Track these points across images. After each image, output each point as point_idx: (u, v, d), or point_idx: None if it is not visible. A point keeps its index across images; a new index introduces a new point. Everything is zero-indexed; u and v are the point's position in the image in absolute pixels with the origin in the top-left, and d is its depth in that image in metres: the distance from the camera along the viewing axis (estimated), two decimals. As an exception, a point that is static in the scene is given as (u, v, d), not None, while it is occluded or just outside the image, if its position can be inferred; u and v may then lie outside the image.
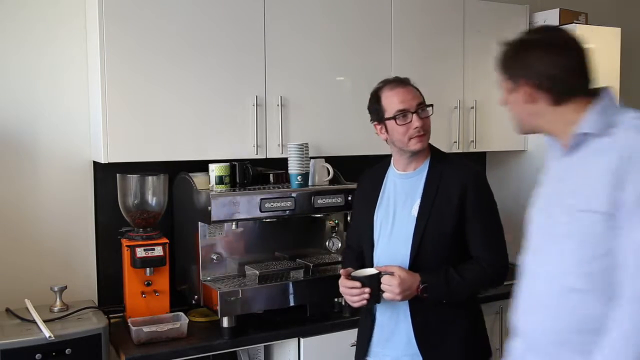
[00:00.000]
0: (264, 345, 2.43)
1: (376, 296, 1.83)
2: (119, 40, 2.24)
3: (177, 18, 2.35)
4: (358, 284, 1.84)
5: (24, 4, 2.41)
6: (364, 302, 1.84)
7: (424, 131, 1.90)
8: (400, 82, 1.95)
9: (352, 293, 1.85)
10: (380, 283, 1.81)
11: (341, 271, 1.94)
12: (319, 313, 2.48)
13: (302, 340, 2.34)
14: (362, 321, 2.04)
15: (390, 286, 1.79)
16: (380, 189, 2.01)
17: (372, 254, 1.97)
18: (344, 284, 1.88)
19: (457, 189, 1.87)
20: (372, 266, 1.93)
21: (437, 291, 1.83)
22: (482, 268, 1.86)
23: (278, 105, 2.52)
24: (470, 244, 1.89)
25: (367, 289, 1.82)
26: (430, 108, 1.93)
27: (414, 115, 1.88)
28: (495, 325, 2.78)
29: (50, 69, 2.47)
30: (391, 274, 1.80)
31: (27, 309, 2.21)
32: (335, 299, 2.53)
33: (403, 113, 1.89)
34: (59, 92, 2.47)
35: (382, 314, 1.96)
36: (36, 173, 2.45)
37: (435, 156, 1.97)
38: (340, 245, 2.66)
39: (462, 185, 1.87)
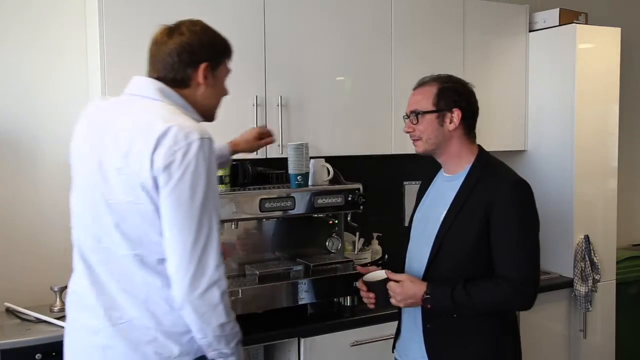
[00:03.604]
0: (264, 345, 2.43)
1: (384, 300, 1.87)
2: (119, 41, 2.24)
3: (177, 18, 2.35)
4: (365, 287, 1.92)
5: (24, 5, 2.41)
6: (372, 305, 1.92)
7: (415, 137, 1.88)
8: (417, 85, 1.93)
9: (362, 295, 1.94)
10: (387, 288, 1.85)
11: (358, 268, 2.03)
12: (319, 313, 2.48)
13: (302, 340, 2.34)
14: (398, 317, 2.06)
15: (393, 293, 1.82)
16: (427, 188, 2.01)
17: (407, 250, 2.00)
18: (359, 285, 1.96)
19: (485, 201, 1.76)
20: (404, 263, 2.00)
21: (440, 304, 1.77)
22: (500, 288, 1.75)
23: (278, 105, 2.52)
24: (494, 260, 1.77)
25: (371, 294, 1.90)
26: (414, 116, 1.86)
27: (407, 120, 1.90)
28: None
29: (51, 69, 2.47)
30: (398, 281, 1.82)
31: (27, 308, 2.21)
32: (335, 299, 2.54)
33: (405, 117, 1.92)
34: (60, 93, 2.48)
35: (405, 316, 1.97)
36: (36, 173, 2.45)
37: (478, 162, 1.86)
38: (340, 245, 2.66)
39: (491, 197, 1.76)
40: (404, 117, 1.93)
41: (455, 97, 1.85)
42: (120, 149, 1.47)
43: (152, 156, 1.42)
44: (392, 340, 2.07)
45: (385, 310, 2.21)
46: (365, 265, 2.64)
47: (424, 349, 1.85)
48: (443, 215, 1.84)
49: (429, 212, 1.93)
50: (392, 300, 1.84)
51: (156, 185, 1.43)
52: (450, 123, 1.84)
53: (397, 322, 2.04)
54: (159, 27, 1.65)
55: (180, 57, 1.58)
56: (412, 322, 1.91)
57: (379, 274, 1.90)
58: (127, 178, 1.45)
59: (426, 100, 1.85)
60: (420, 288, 1.79)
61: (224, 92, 1.71)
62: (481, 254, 1.78)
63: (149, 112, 1.50)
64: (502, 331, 1.86)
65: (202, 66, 1.59)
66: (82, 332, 1.56)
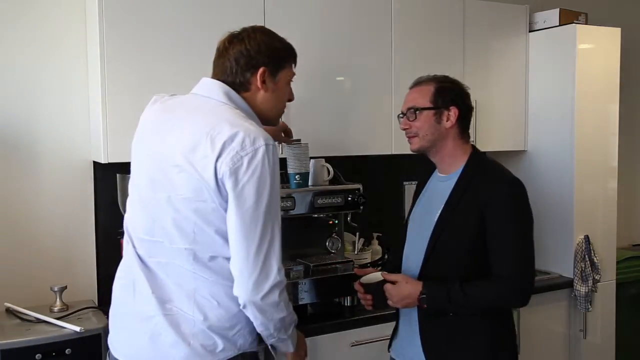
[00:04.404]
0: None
1: (381, 301, 1.89)
2: (119, 41, 2.24)
3: (177, 18, 2.35)
4: (362, 289, 1.94)
5: (24, 6, 2.41)
6: (370, 307, 1.95)
7: (411, 133, 1.90)
8: (414, 84, 1.96)
9: (359, 297, 1.97)
10: (383, 290, 1.87)
11: (355, 270, 2.06)
12: (319, 313, 2.49)
13: (302, 340, 2.34)
14: (396, 317, 2.07)
15: (389, 294, 1.85)
16: (423, 188, 2.03)
17: (402, 251, 2.02)
18: (356, 288, 1.97)
19: (480, 201, 1.78)
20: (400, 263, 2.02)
21: (436, 303, 1.79)
22: (496, 286, 1.77)
23: (278, 105, 2.51)
24: (490, 259, 1.79)
25: (368, 296, 1.92)
26: (412, 112, 1.87)
27: (402, 118, 1.92)
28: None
29: (51, 69, 2.47)
30: (394, 282, 1.85)
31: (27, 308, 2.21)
32: (335, 299, 2.54)
33: (400, 115, 1.94)
34: (59, 92, 2.48)
35: (402, 316, 1.99)
36: (36, 173, 2.45)
37: (471, 162, 1.88)
38: (340, 245, 2.66)
39: (485, 197, 1.78)
40: (399, 115, 1.95)
41: (452, 95, 1.88)
42: (183, 148, 1.51)
43: (217, 159, 1.46)
44: (392, 341, 2.07)
45: (385, 311, 2.20)
46: (365, 266, 2.65)
47: (421, 349, 1.86)
48: (437, 215, 1.85)
49: (424, 213, 1.94)
50: (389, 302, 1.86)
51: (219, 187, 1.47)
52: (447, 121, 1.86)
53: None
54: (223, 35, 1.69)
55: (238, 62, 1.63)
56: (408, 322, 1.93)
57: (376, 276, 1.92)
58: (187, 176, 1.50)
59: (424, 97, 1.87)
60: (415, 288, 1.80)
61: (286, 96, 1.74)
62: (476, 253, 1.80)
63: (216, 115, 1.54)
64: (499, 330, 1.88)
65: (260, 71, 1.63)
66: (132, 317, 1.61)
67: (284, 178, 2.49)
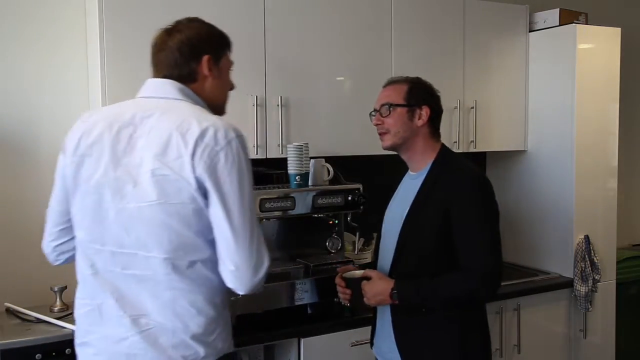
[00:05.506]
0: (264, 345, 2.43)
1: (359, 297, 1.92)
2: (119, 41, 2.24)
3: (177, 18, 2.35)
4: (343, 283, 1.99)
5: (24, 5, 2.41)
6: (347, 302, 2.00)
7: (383, 130, 1.94)
8: (387, 83, 2.01)
9: (338, 290, 2.02)
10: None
11: (338, 269, 2.08)
12: (319, 313, 2.48)
13: (302, 340, 2.34)
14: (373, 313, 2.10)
15: (364, 291, 1.90)
16: (398, 187, 2.08)
17: (379, 248, 2.07)
18: (336, 280, 2.02)
19: (445, 198, 1.82)
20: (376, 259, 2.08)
21: (407, 298, 1.83)
22: (463, 278, 1.80)
23: (278, 105, 2.52)
24: (457, 254, 1.82)
25: (348, 290, 1.97)
26: (386, 108, 1.92)
27: (375, 114, 1.97)
28: (495, 325, 2.80)
29: (51, 69, 2.47)
30: (369, 278, 1.90)
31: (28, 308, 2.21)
32: (335, 299, 2.53)
33: (372, 113, 1.99)
34: (60, 93, 2.48)
35: (379, 312, 2.02)
36: (36, 173, 2.45)
37: (439, 159, 1.93)
38: (340, 245, 2.66)
39: (450, 194, 1.83)
40: (370, 113, 2.00)
41: (425, 95, 1.94)
42: (154, 151, 1.45)
43: (192, 156, 1.43)
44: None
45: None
46: (365, 266, 2.65)
47: (394, 343, 1.90)
48: (406, 212, 1.90)
49: (395, 210, 1.99)
50: (365, 299, 1.90)
51: (199, 186, 1.44)
52: (419, 119, 1.92)
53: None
54: (158, 31, 1.65)
55: (181, 52, 1.59)
56: (382, 317, 1.97)
57: (358, 273, 1.97)
58: (162, 179, 1.44)
59: (397, 95, 1.93)
60: (387, 285, 1.85)
61: (229, 85, 1.72)
62: (443, 249, 1.83)
63: (179, 111, 1.51)
64: (470, 327, 1.90)
65: (205, 58, 1.60)
66: (103, 343, 1.53)
67: (285, 178, 2.50)
